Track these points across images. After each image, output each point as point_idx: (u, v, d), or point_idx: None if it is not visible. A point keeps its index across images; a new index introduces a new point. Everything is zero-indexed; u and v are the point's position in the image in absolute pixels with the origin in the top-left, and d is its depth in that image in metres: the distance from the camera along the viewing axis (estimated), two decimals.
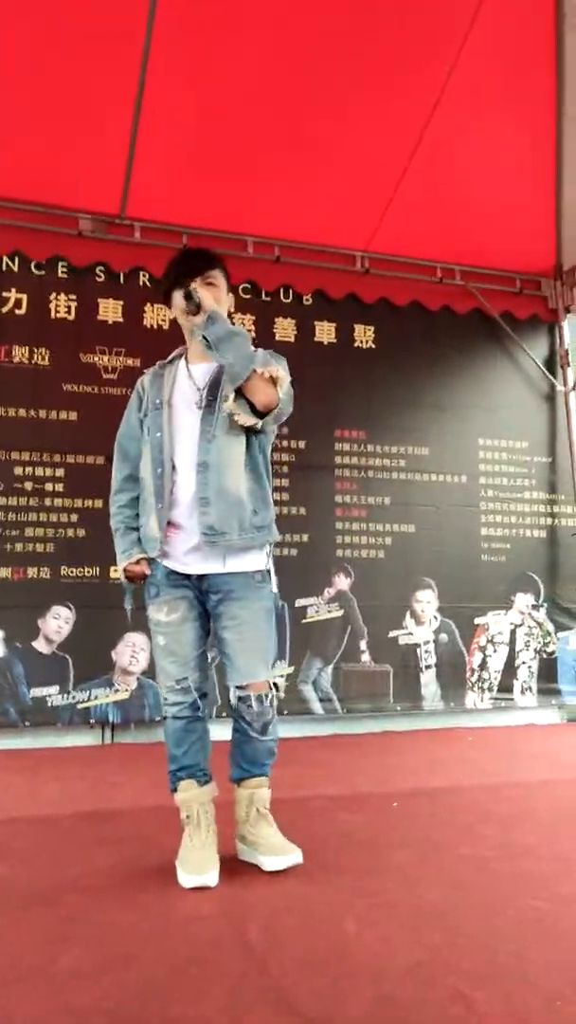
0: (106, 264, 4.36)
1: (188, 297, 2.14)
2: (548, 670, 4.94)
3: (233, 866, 2.16)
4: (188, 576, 2.17)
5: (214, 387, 2.19)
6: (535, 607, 4.97)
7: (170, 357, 2.34)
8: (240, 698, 2.16)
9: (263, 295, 4.68)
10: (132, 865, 2.18)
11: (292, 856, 2.10)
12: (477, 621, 4.82)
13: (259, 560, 2.18)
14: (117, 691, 4.07)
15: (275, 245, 4.59)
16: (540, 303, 5.20)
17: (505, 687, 4.82)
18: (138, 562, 2.20)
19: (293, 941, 1.70)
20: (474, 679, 4.77)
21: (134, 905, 1.90)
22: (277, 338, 4.66)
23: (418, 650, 4.67)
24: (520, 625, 4.92)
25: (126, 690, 4.09)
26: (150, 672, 4.13)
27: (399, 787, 3.11)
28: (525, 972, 1.54)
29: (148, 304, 4.45)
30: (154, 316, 4.46)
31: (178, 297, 2.19)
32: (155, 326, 4.46)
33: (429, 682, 4.67)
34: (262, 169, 4.13)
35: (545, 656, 4.95)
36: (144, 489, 2.23)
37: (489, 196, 4.45)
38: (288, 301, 4.74)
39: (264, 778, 2.22)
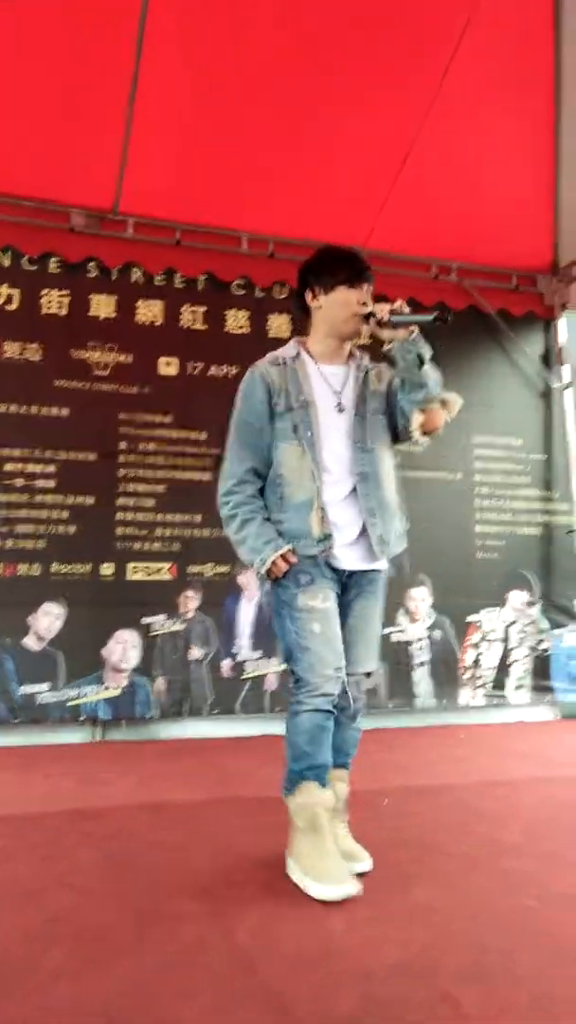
0: (99, 259, 4.33)
1: (443, 319, 2.08)
2: (541, 668, 4.93)
3: (221, 862, 2.15)
4: (335, 569, 2.14)
5: (362, 396, 2.21)
6: (529, 604, 4.96)
7: (290, 353, 2.24)
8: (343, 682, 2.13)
9: (256, 291, 4.66)
10: (118, 863, 2.16)
11: (363, 863, 2.06)
12: (471, 618, 4.81)
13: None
14: (107, 688, 4.05)
15: (269, 241, 4.56)
16: (536, 300, 5.18)
17: (498, 684, 4.81)
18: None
19: (282, 940, 1.68)
20: (467, 676, 4.76)
21: (119, 904, 1.88)
22: (271, 335, 4.64)
23: (411, 647, 4.66)
24: (514, 622, 4.91)
25: (116, 687, 4.07)
26: (141, 669, 4.12)
27: (391, 784, 3.10)
28: (513, 971, 1.53)
29: (141, 300, 4.43)
30: (147, 312, 4.43)
31: (383, 310, 2.09)
32: (148, 322, 4.43)
33: (422, 679, 4.66)
34: (256, 165, 4.11)
35: (539, 654, 4.94)
36: (286, 486, 2.13)
37: (486, 193, 4.43)
38: (283, 297, 4.71)
39: (346, 771, 2.20)
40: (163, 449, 4.35)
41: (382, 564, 2.21)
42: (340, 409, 2.18)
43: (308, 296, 2.22)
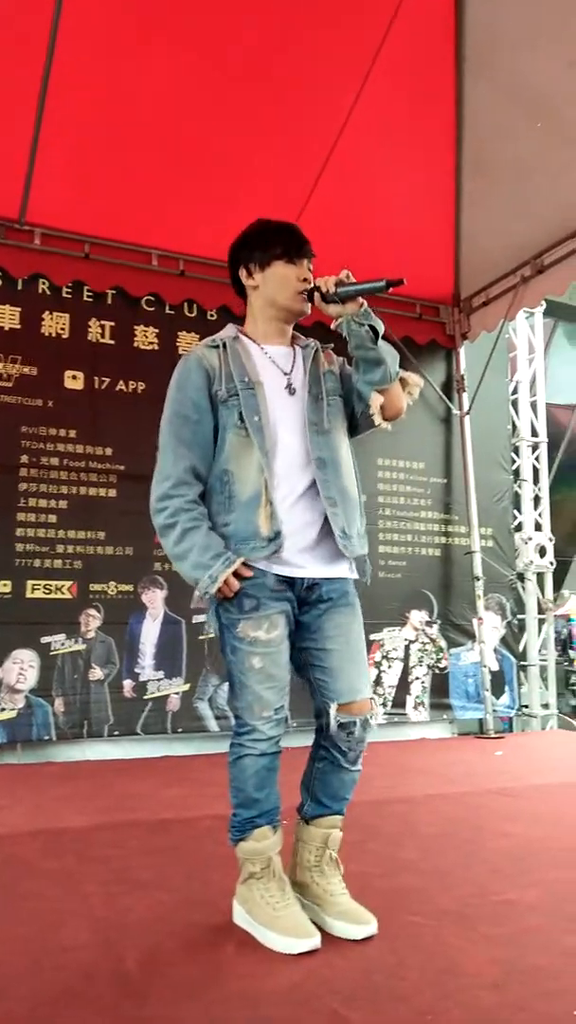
0: (4, 269, 4.24)
1: (397, 283, 1.84)
2: (440, 685, 5.07)
3: (114, 889, 2.11)
4: (291, 584, 1.87)
5: (314, 376, 1.98)
6: (429, 623, 5.09)
7: (229, 334, 1.98)
8: (342, 724, 1.88)
9: (167, 308, 4.65)
10: (6, 893, 2.09)
11: (370, 926, 1.80)
12: (373, 637, 4.90)
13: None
14: (3, 710, 3.92)
15: (180, 259, 4.58)
16: (439, 329, 5.37)
17: (399, 702, 4.92)
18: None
19: (172, 968, 1.66)
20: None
21: (6, 936, 1.82)
22: (180, 351, 4.64)
23: None
24: (414, 641, 5.04)
25: (13, 709, 3.94)
26: (39, 690, 4.01)
27: (289, 805, 3.09)
28: (398, 988, 1.56)
29: (47, 312, 4.36)
30: (53, 324, 4.36)
31: (328, 283, 1.87)
32: (54, 334, 4.36)
33: None
34: (168, 183, 4.11)
35: (438, 672, 5.08)
36: (234, 483, 1.85)
37: (391, 224, 4.57)
38: (192, 315, 4.73)
39: (341, 817, 1.95)
40: (66, 464, 4.27)
41: (347, 571, 1.94)
42: (291, 391, 1.94)
43: (242, 274, 1.99)
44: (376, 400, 1.94)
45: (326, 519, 1.89)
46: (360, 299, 1.88)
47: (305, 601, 1.89)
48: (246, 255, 1.98)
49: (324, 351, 2.07)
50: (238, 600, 1.83)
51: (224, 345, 1.94)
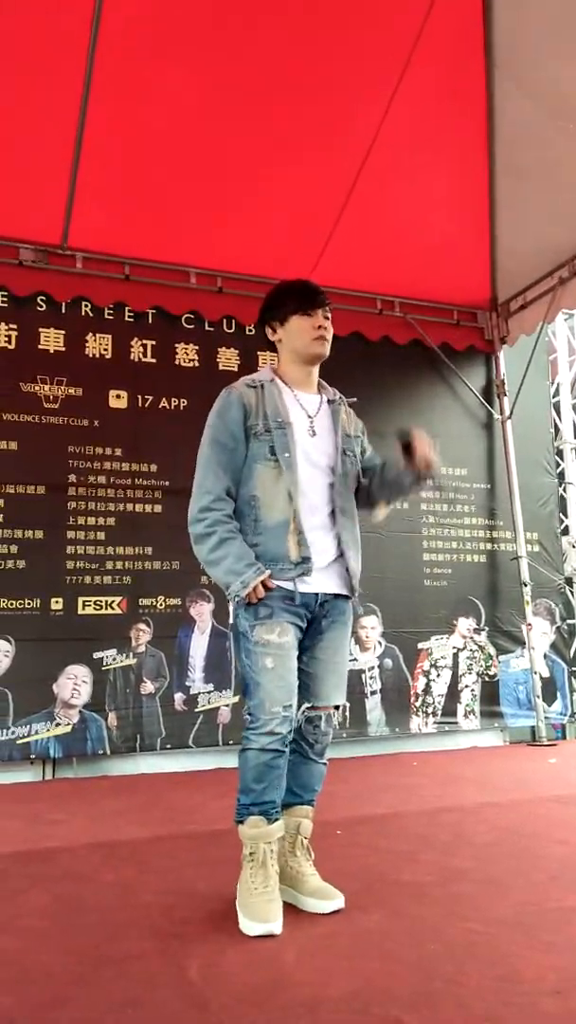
0: (47, 294, 4.36)
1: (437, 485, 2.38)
2: (490, 693, 5.02)
3: (171, 899, 2.14)
4: (306, 602, 2.11)
5: (336, 428, 2.27)
6: (477, 631, 5.05)
7: (265, 377, 2.25)
8: (309, 718, 2.15)
9: (206, 325, 4.72)
10: (66, 905, 2.14)
11: (337, 900, 2.05)
12: (420, 646, 4.88)
13: None
14: (58, 725, 4.00)
15: (217, 276, 4.65)
16: (477, 334, 5.35)
17: (449, 711, 4.88)
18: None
19: (232, 976, 1.68)
20: (418, 704, 4.82)
21: (68, 947, 1.86)
22: (220, 367, 4.71)
23: (363, 676, 4.70)
24: (462, 649, 5.00)
25: (68, 724, 4.02)
26: (92, 704, 4.08)
27: (342, 815, 3.11)
28: (459, 995, 1.56)
29: (90, 333, 4.46)
30: (96, 345, 4.46)
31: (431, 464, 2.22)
32: (97, 355, 4.46)
33: (374, 708, 4.70)
34: (203, 201, 4.19)
35: (487, 679, 5.03)
36: (260, 508, 2.11)
37: (426, 231, 4.59)
38: (231, 331, 4.79)
39: (311, 808, 2.20)
40: (113, 482, 4.36)
41: (349, 590, 2.22)
42: (312, 433, 2.21)
43: (268, 332, 2.30)
44: (383, 510, 2.41)
45: (338, 546, 2.20)
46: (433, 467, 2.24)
47: (315, 615, 2.16)
48: (269, 316, 2.29)
49: (345, 408, 2.36)
50: (254, 609, 2.08)
51: (262, 386, 2.22)
